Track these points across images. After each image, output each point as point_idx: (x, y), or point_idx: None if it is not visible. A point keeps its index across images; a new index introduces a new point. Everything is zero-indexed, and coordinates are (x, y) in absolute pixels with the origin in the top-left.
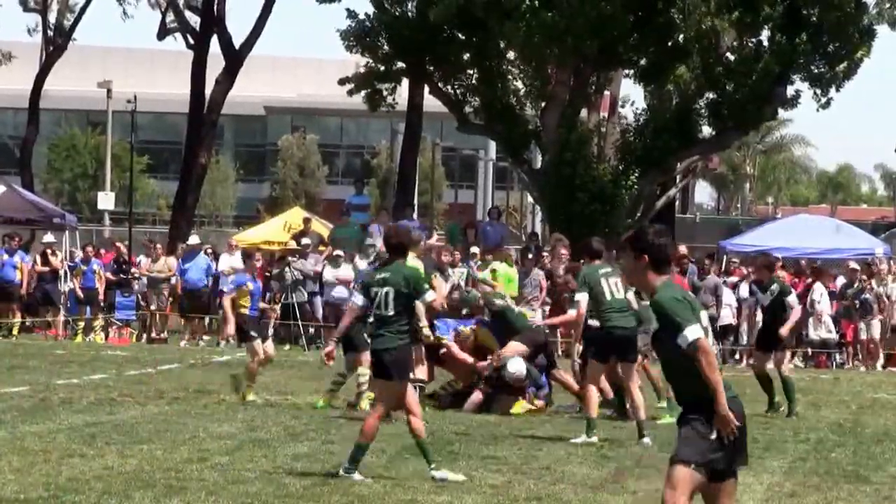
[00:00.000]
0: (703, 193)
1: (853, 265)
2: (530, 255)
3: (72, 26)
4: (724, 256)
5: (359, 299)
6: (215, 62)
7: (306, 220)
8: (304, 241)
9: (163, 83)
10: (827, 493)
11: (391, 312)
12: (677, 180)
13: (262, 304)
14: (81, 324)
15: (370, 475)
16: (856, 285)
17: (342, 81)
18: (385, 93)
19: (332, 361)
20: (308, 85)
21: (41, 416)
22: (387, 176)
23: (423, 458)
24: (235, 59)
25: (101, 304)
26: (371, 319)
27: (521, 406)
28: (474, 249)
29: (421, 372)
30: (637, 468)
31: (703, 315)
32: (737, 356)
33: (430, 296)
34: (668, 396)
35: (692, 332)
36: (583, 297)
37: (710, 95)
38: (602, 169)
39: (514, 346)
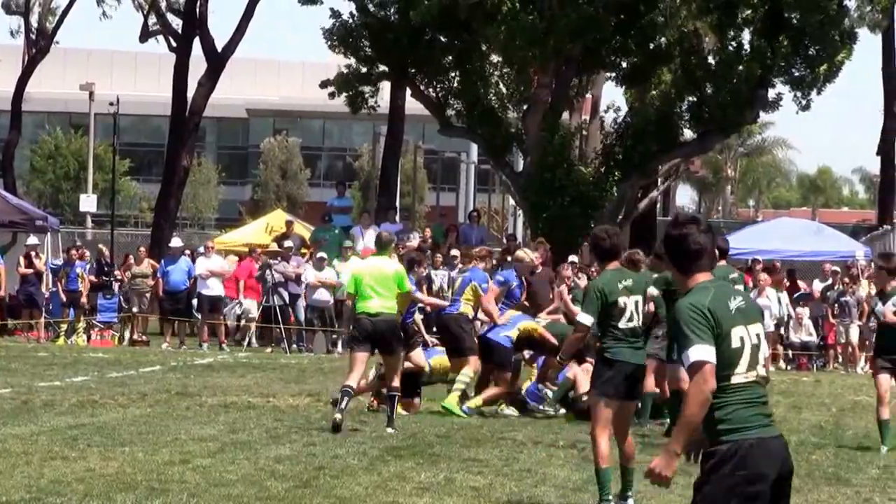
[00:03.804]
0: (685, 196)
1: (833, 268)
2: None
3: (54, 29)
4: None
5: (588, 318)
6: (198, 64)
7: (289, 223)
8: (287, 243)
9: (145, 86)
10: (808, 496)
11: (640, 323)
12: (659, 183)
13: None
14: (64, 326)
15: (351, 477)
16: (836, 288)
17: (323, 84)
18: (367, 95)
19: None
20: (290, 87)
21: (23, 418)
22: (369, 179)
23: (621, 485)
24: (218, 61)
25: (84, 306)
26: (608, 333)
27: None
28: (455, 252)
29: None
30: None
31: (746, 329)
32: None
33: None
34: None
35: (696, 353)
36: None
37: (692, 98)
38: (584, 172)
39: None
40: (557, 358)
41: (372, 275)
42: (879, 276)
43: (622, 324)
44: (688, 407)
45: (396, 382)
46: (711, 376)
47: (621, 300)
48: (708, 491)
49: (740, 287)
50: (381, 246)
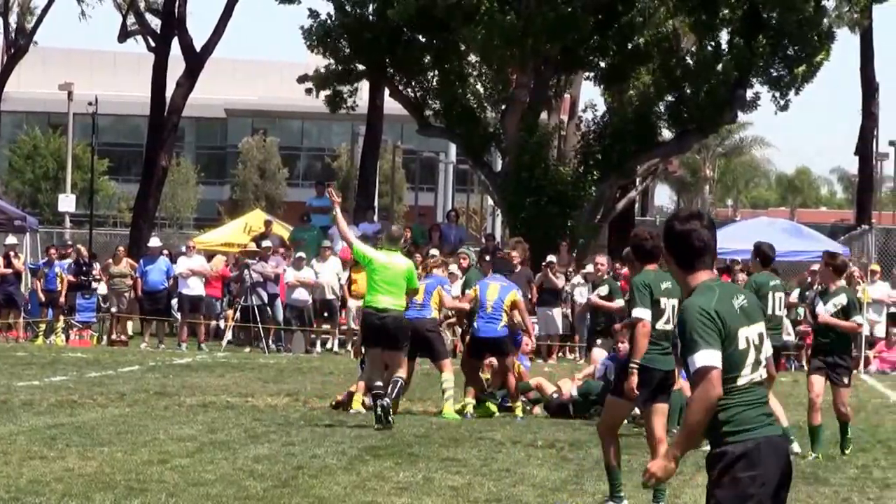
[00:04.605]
0: (663, 196)
1: (815, 267)
2: (487, 257)
3: (33, 28)
4: None
5: (645, 312)
6: (176, 64)
7: (267, 223)
8: (265, 243)
9: (124, 85)
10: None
11: (673, 326)
12: (637, 183)
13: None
14: (42, 326)
15: (329, 477)
16: (815, 288)
17: (301, 79)
18: (345, 94)
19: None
20: (269, 87)
21: (1, 418)
22: (347, 178)
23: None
24: (196, 61)
25: (63, 306)
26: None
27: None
28: (434, 251)
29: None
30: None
31: (749, 329)
32: None
33: None
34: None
35: (702, 358)
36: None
37: (670, 98)
38: (562, 172)
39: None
40: (630, 364)
41: (385, 271)
42: (825, 274)
43: (659, 325)
44: (692, 413)
45: (403, 373)
46: (718, 382)
47: (662, 300)
48: (722, 496)
49: (780, 295)
50: (393, 241)
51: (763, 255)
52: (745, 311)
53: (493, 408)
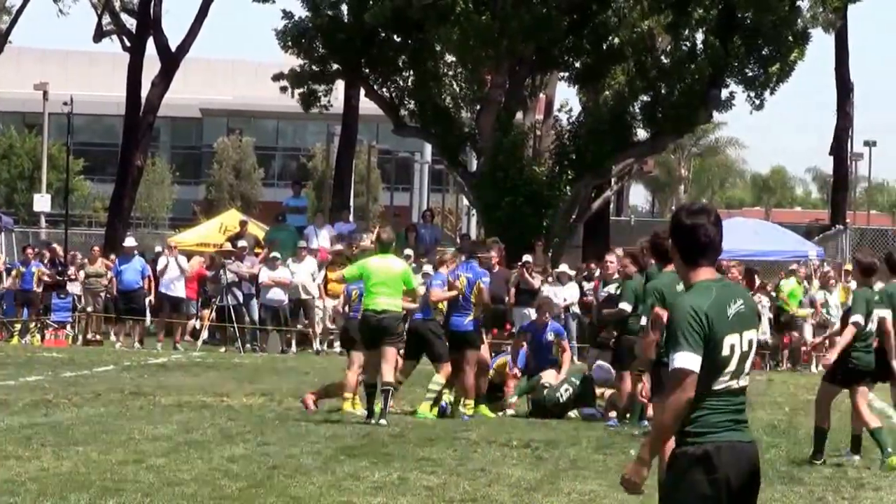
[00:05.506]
0: (638, 196)
1: (793, 266)
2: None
3: (8, 28)
4: None
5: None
6: (152, 64)
7: (242, 223)
8: (241, 243)
9: (99, 85)
10: (761, 495)
11: None
12: (612, 183)
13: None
14: (18, 325)
15: (305, 477)
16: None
17: (276, 77)
18: (320, 94)
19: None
20: (244, 87)
21: None
22: (323, 178)
23: None
24: (172, 61)
25: (38, 305)
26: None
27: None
28: (408, 252)
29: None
30: (571, 470)
31: (740, 336)
32: None
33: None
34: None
35: (680, 360)
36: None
37: (645, 98)
38: (537, 172)
39: None
40: (633, 368)
41: (381, 273)
42: (854, 275)
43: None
44: (663, 412)
45: (390, 377)
46: (692, 386)
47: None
48: (680, 498)
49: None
50: (383, 245)
51: (864, 266)
52: (741, 317)
53: (486, 411)
